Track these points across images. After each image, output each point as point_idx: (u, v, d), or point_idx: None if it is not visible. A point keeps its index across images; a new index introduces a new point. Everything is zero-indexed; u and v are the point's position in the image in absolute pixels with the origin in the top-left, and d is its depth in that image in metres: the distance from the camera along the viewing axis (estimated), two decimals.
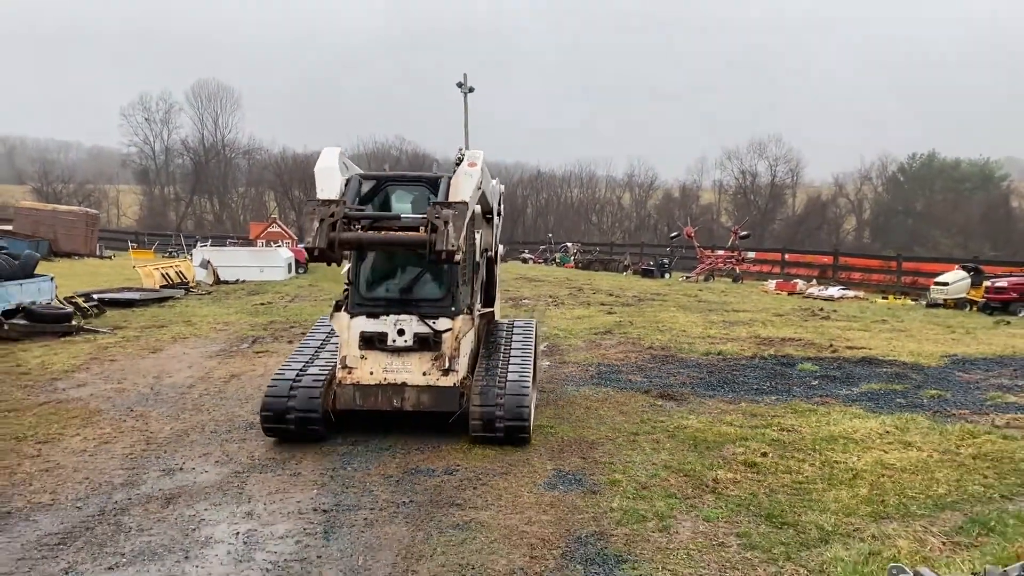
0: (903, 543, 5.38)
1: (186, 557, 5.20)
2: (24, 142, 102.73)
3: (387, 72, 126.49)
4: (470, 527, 5.68)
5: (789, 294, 26.35)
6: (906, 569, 3.40)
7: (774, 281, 28.99)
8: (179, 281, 23.53)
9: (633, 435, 8.16)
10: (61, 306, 15.72)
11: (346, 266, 8.27)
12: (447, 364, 7.71)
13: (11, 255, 15.82)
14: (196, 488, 6.54)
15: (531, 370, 8.12)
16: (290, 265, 29.01)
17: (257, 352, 12.93)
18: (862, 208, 70.65)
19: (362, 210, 7.16)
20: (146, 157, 77.62)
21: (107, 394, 9.95)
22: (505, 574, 4.95)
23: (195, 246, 32.16)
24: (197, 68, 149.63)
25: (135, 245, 46.65)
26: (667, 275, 34.21)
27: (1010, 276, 21.16)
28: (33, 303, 15.05)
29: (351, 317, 7.85)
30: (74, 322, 15.15)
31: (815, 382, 10.87)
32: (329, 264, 7.10)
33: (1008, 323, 18.07)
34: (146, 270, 23.12)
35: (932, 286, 22.69)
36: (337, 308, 8.02)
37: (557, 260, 45.59)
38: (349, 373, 7.76)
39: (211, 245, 32.08)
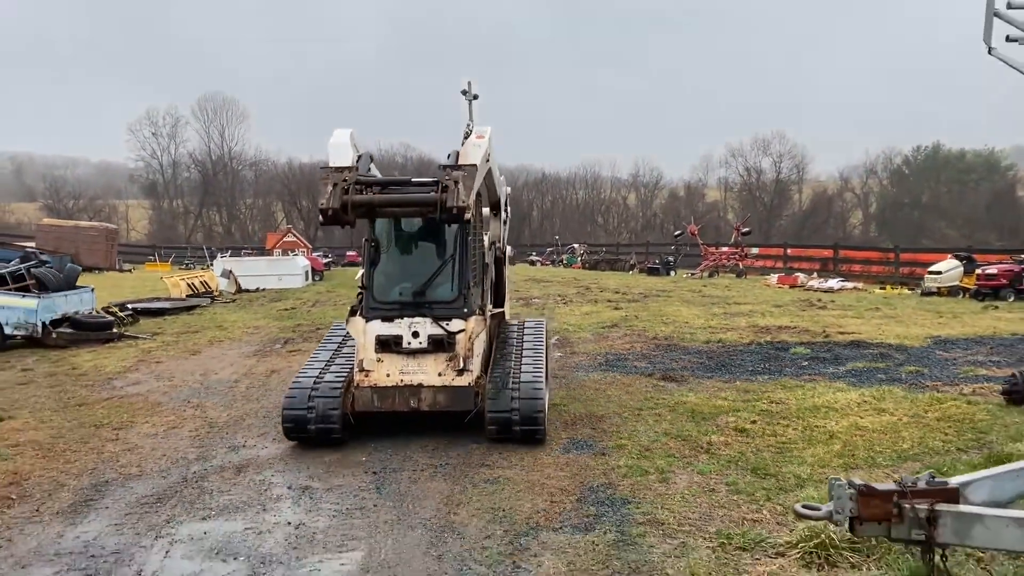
0: None
1: (264, 509, 6.24)
2: (32, 159, 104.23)
3: (391, 80, 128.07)
4: (499, 481, 6.70)
5: (791, 287, 27.30)
6: (842, 480, 4.41)
7: (776, 275, 29.94)
8: (204, 291, 24.65)
9: (637, 410, 9.17)
10: (101, 315, 16.81)
11: (360, 271, 8.77)
12: (461, 364, 7.86)
13: (56, 268, 16.92)
14: (260, 460, 7.58)
15: (544, 369, 8.30)
16: (307, 273, 30.12)
17: (290, 351, 13.99)
18: (868, 202, 71.37)
19: (373, 175, 7.48)
20: (154, 171, 78.95)
21: (162, 390, 11.02)
22: (530, 513, 5.97)
23: (215, 257, 33.27)
24: (202, 82, 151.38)
25: (152, 259, 47.86)
26: (672, 272, 35.20)
27: (1000, 264, 22.07)
28: (76, 313, 16.13)
29: (366, 321, 7.98)
30: (115, 329, 16.25)
31: (805, 363, 11.85)
32: (343, 227, 7.36)
33: (996, 307, 19.00)
34: (173, 280, 24.26)
35: (926, 275, 23.63)
36: (352, 313, 8.16)
37: (564, 261, 46.59)
38: (366, 376, 7.90)
39: (230, 256, 33.20)
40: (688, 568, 5.01)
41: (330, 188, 7.16)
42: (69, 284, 16.74)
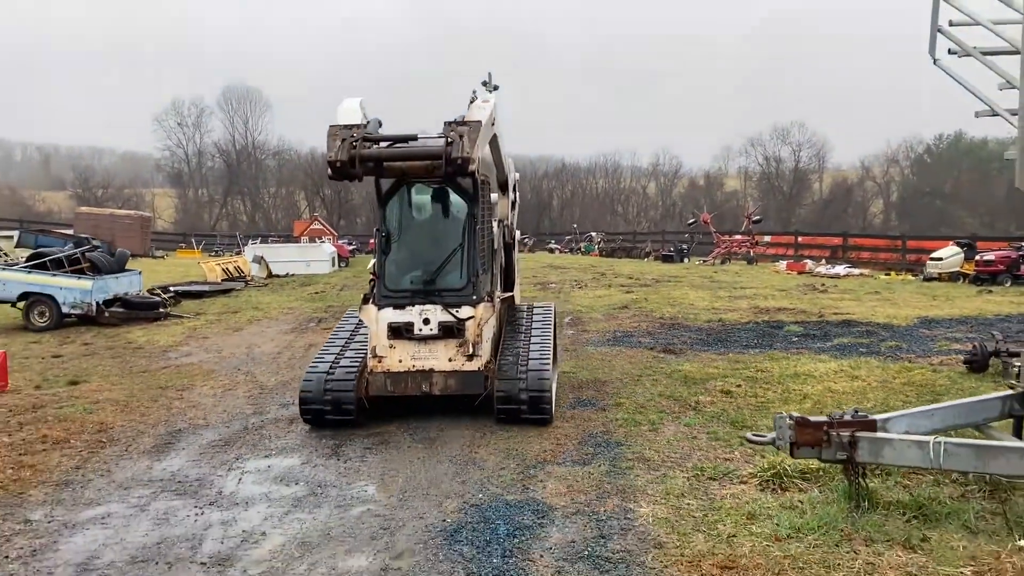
0: None
1: (315, 451, 7.46)
2: (58, 149, 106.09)
3: (411, 68, 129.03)
4: (512, 430, 7.86)
5: (799, 273, 28.21)
6: (783, 414, 5.54)
7: (785, 262, 30.86)
8: (238, 275, 25.98)
9: (637, 376, 10.30)
10: (149, 296, 18.14)
11: (371, 261, 9.35)
12: (471, 350, 8.10)
13: (108, 253, 18.28)
14: None
15: (551, 352, 8.52)
16: (333, 259, 31.40)
17: (324, 329, 15.21)
18: (889, 191, 71.58)
19: (364, 125, 7.63)
20: (179, 160, 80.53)
21: (213, 360, 12.29)
22: (538, 452, 7.15)
23: (247, 244, 34.65)
24: (226, 72, 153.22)
25: (183, 245, 49.44)
26: (686, 260, 36.16)
27: (999, 251, 22.91)
28: (126, 294, 17.47)
29: (379, 309, 8.22)
30: (162, 309, 17.57)
31: (796, 339, 12.92)
32: (352, 181, 7.63)
33: (990, 292, 19.90)
34: (209, 265, 25.63)
35: (928, 261, 24.50)
36: (365, 301, 8.41)
37: (582, 249, 47.61)
38: (379, 362, 8.16)
39: (260, 243, 34.59)
40: (665, 490, 6.16)
41: (338, 143, 7.38)
42: (120, 267, 18.07)
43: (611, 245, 45.54)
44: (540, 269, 29.96)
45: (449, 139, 7.23)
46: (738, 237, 36.19)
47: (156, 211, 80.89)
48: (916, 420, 5.76)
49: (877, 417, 5.68)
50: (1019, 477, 5.37)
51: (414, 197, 8.69)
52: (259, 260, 28.28)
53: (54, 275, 16.73)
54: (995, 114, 6.43)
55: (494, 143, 8.88)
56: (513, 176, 10.60)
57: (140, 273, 18.65)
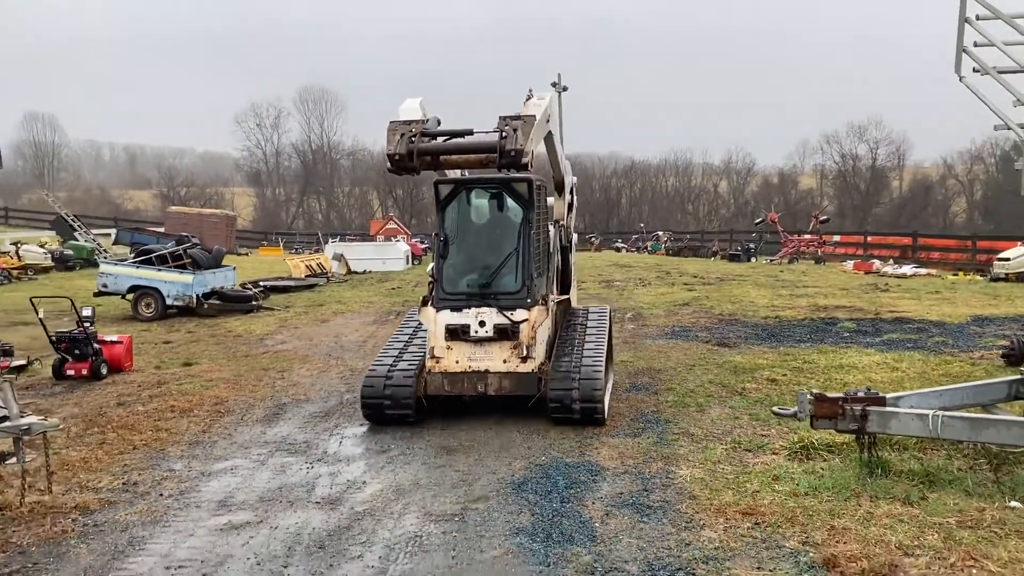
0: None
1: (404, 422, 8.60)
2: (143, 149, 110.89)
3: (484, 66, 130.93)
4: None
5: (866, 273, 28.39)
6: (805, 391, 6.42)
7: (852, 262, 31.01)
8: (320, 272, 27.60)
9: (690, 366, 11.19)
10: (242, 290, 19.74)
11: (430, 264, 9.68)
12: (525, 352, 8.32)
13: (206, 249, 19.96)
14: None
15: (604, 354, 8.67)
16: (407, 257, 32.86)
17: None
18: (973, 189, 69.65)
19: (424, 121, 7.89)
20: (257, 160, 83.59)
21: (305, 347, 13.63)
22: (595, 427, 8.14)
23: (327, 243, 36.43)
24: (303, 74, 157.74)
25: (265, 243, 51.83)
26: (753, 259, 36.48)
27: None
28: (222, 287, 19.08)
29: (437, 311, 8.51)
30: (254, 302, 19.14)
31: (847, 335, 13.57)
32: (411, 174, 7.82)
33: None
34: (294, 263, 27.33)
35: (995, 261, 24.49)
36: (424, 303, 8.68)
37: (649, 248, 48.17)
38: (437, 362, 8.46)
39: (340, 241, 36.32)
40: (704, 457, 7.10)
41: (397, 137, 7.61)
42: (217, 263, 19.73)
43: (678, 244, 45.99)
44: (606, 268, 30.81)
45: (503, 133, 7.35)
46: (806, 237, 36.33)
47: (236, 209, 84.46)
48: (925, 399, 6.56)
49: (891, 395, 6.51)
50: (1010, 446, 6.14)
51: (471, 202, 8.96)
52: (339, 257, 29.90)
53: (159, 270, 18.45)
54: (1008, 127, 7.16)
55: (550, 142, 9.05)
56: (571, 179, 10.72)
57: (234, 268, 20.29)
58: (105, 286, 18.32)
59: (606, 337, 9.12)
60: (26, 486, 6.39)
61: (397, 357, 8.83)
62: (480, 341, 8.38)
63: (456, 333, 8.41)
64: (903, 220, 62.52)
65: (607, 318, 9.73)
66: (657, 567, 4.98)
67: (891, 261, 31.02)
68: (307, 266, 27.24)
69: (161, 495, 6.57)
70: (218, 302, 18.60)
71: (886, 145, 70.85)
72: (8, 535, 5.73)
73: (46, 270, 28.67)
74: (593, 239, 53.36)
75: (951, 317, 15.20)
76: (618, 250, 50.86)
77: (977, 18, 7.34)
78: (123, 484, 6.84)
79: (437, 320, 8.49)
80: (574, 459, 7.15)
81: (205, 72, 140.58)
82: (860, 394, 6.32)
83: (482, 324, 8.36)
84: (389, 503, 6.23)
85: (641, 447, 7.47)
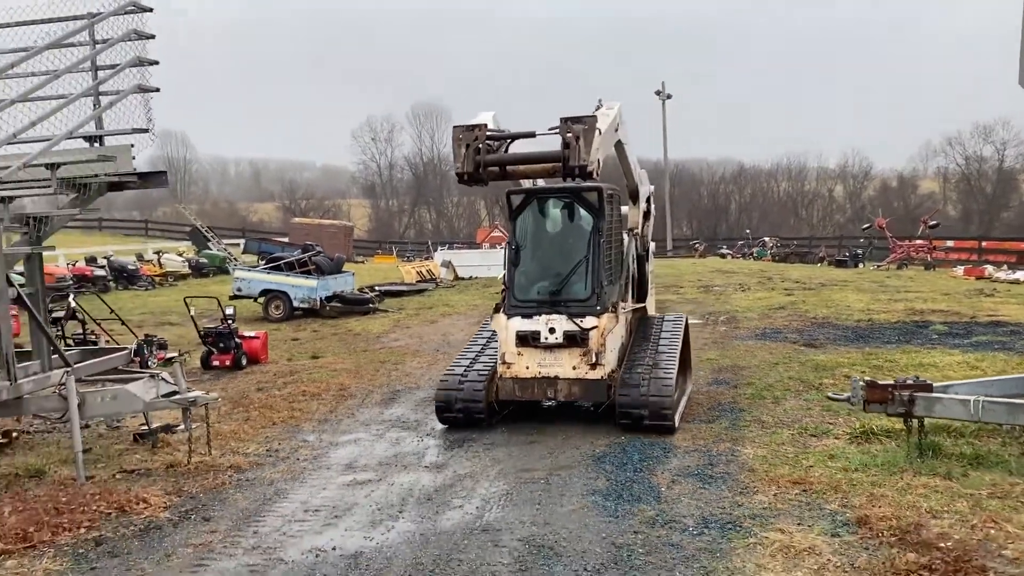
0: None
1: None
2: (267, 164, 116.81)
3: (592, 76, 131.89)
4: None
5: (977, 278, 27.72)
6: (857, 377, 7.10)
7: (962, 267, 30.25)
8: (430, 277, 29.19)
9: (773, 364, 11.81)
10: (360, 294, 21.38)
11: (502, 272, 10.17)
12: (594, 358, 8.39)
13: (328, 257, 21.73)
14: None
15: (676, 362, 8.75)
16: None
17: None
18: None
19: (502, 131, 8.14)
20: (372, 173, 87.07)
21: (416, 344, 14.95)
22: (685, 414, 8.96)
23: (436, 250, 38.21)
24: (417, 89, 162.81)
25: (379, 252, 54.36)
26: (861, 265, 35.94)
27: None
28: (343, 291, 20.74)
29: (508, 318, 8.70)
30: (371, 304, 20.71)
31: (936, 336, 13.80)
32: (482, 185, 8.17)
33: None
34: (406, 269, 29.04)
35: None
36: (496, 310, 8.93)
37: (754, 254, 47.86)
38: (508, 368, 8.63)
39: (448, 249, 38.05)
40: (770, 440, 7.85)
41: (463, 151, 7.80)
42: (338, 269, 21.44)
43: (784, 250, 45.55)
44: (707, 273, 31.14)
45: (566, 141, 7.49)
46: (917, 242, 35.53)
47: (352, 220, 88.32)
48: (976, 388, 7.12)
49: (940, 384, 7.11)
50: None
51: (542, 211, 9.18)
52: (447, 264, 31.45)
53: (287, 275, 20.25)
54: None
55: (621, 152, 9.26)
56: (646, 188, 10.75)
57: (353, 274, 21.97)
58: (239, 290, 20.25)
59: (679, 345, 9.15)
60: (192, 449, 7.80)
61: (472, 362, 9.15)
62: (550, 347, 8.51)
63: (526, 339, 8.55)
64: None
65: (682, 326, 9.76)
66: (710, 520, 5.84)
67: (1005, 267, 30.08)
68: (418, 272, 28.87)
69: (298, 459, 7.86)
70: (339, 304, 20.24)
71: (1015, 146, 67.37)
72: (181, 485, 7.10)
73: (184, 277, 31.41)
74: (697, 245, 53.39)
75: None
76: (723, 256, 50.68)
77: None
78: (267, 451, 8.18)
79: (508, 327, 8.66)
80: (650, 439, 8.02)
81: (327, 89, 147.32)
82: (909, 381, 6.95)
83: (552, 331, 8.49)
84: (486, 468, 7.30)
85: (713, 431, 8.28)
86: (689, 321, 10.38)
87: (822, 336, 14.33)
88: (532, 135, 8.12)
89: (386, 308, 20.83)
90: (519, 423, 8.87)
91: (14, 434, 8.89)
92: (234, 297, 20.20)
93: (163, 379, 7.88)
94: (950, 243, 36.61)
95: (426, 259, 37.10)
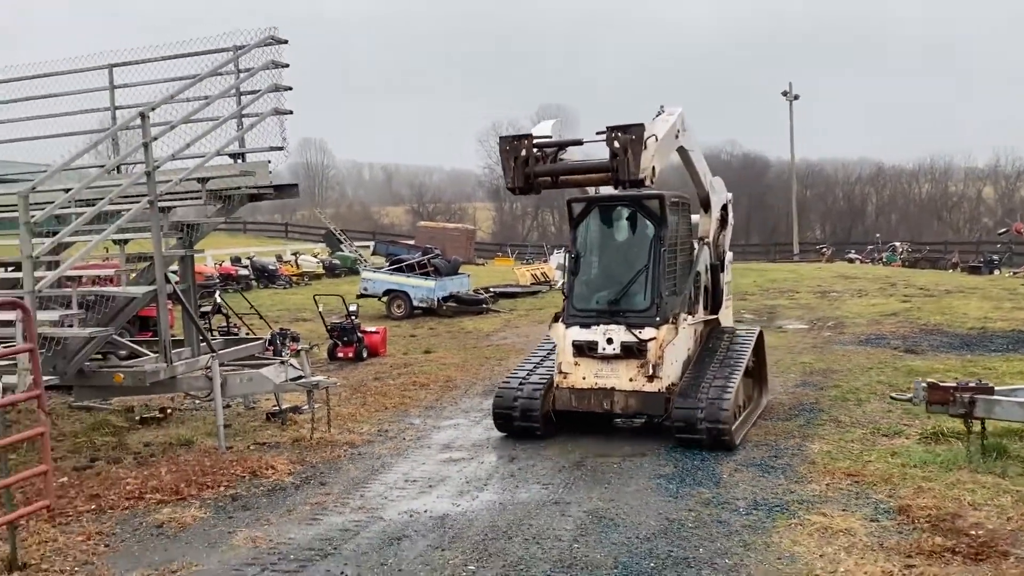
0: None
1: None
2: (399, 168, 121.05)
3: (720, 75, 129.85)
4: None
5: None
6: (921, 380, 7.42)
7: None
8: (544, 280, 30.13)
9: (867, 368, 11.97)
10: (475, 295, 22.54)
11: (560, 281, 10.87)
12: (651, 371, 8.17)
13: (445, 259, 23.03)
14: None
15: (739, 377, 8.40)
16: None
17: None
18: None
19: (548, 137, 8.24)
20: (497, 177, 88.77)
21: (522, 343, 15.85)
22: (764, 412, 9.42)
23: (552, 253, 39.13)
24: (544, 92, 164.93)
25: (500, 254, 55.86)
26: (996, 271, 34.26)
27: None
28: (458, 292, 21.95)
29: (566, 327, 8.59)
30: (485, 305, 21.82)
31: None
32: (536, 193, 8.36)
33: None
34: (521, 271, 30.09)
35: None
36: (555, 319, 8.81)
37: (884, 260, 46.21)
38: (565, 378, 8.52)
39: (563, 252, 38.87)
40: (840, 437, 8.25)
41: (511, 163, 7.89)
42: (454, 271, 22.70)
43: (914, 255, 43.82)
44: (829, 279, 30.58)
45: (613, 152, 7.52)
46: None
47: (477, 223, 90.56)
48: None
49: (1006, 388, 7.34)
50: None
51: (602, 220, 9.03)
52: (562, 267, 32.27)
53: (408, 276, 21.65)
54: None
55: (686, 157, 9.16)
56: (721, 197, 10.42)
57: (469, 276, 23.16)
58: (365, 289, 21.80)
59: (745, 361, 8.77)
60: (314, 426, 8.96)
61: (531, 371, 9.04)
62: (607, 358, 8.35)
63: (583, 349, 8.43)
64: None
65: (752, 340, 9.33)
66: (760, 503, 6.40)
67: None
68: (532, 275, 29.84)
69: (404, 439, 8.89)
70: (455, 304, 21.47)
71: None
72: (303, 456, 8.24)
73: (318, 277, 33.68)
74: (824, 249, 51.94)
75: None
76: (851, 261, 49.13)
77: None
78: (378, 431, 9.25)
79: (566, 336, 8.56)
80: None
81: (457, 94, 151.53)
82: (972, 384, 7.22)
83: (609, 341, 8.33)
84: (567, 453, 8.08)
85: (787, 427, 8.73)
86: (794, 326, 10.51)
87: (926, 343, 14.23)
88: (579, 143, 8.29)
89: (499, 309, 21.88)
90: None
91: (169, 411, 10.37)
92: (360, 296, 21.76)
93: (291, 365, 9.09)
94: None
95: (542, 262, 38.08)
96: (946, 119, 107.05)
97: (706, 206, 10.13)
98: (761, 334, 9.81)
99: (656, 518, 6.20)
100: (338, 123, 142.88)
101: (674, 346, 8.43)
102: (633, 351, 8.24)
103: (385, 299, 21.46)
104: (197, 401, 10.77)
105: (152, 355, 8.76)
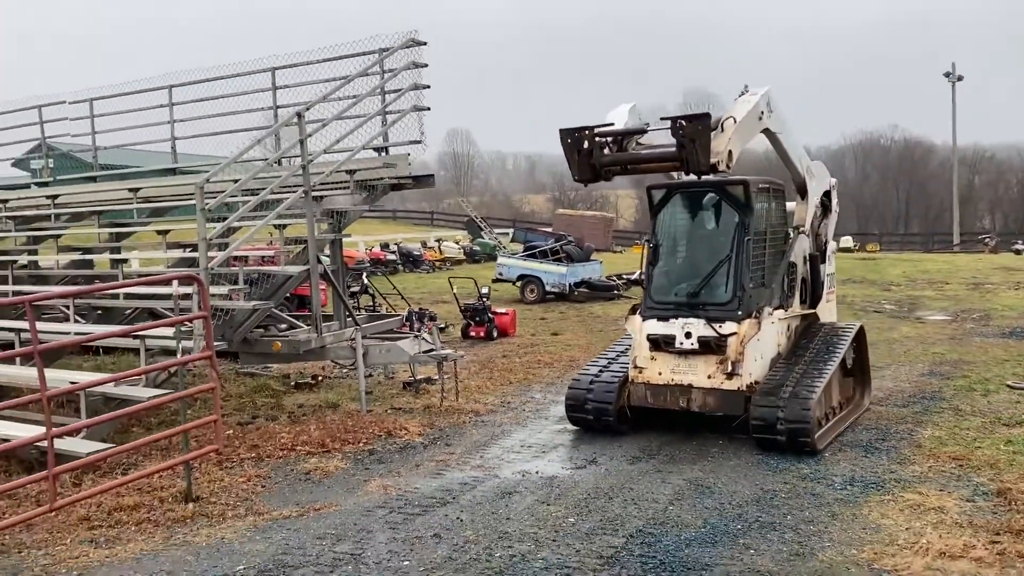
0: None
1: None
2: (542, 157, 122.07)
3: (886, 58, 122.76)
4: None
5: None
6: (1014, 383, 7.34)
7: None
8: None
9: (1003, 361, 11.60)
10: (606, 281, 22.99)
11: (638, 272, 9.99)
12: (731, 368, 7.70)
13: (578, 246, 23.61)
14: None
15: (828, 375, 7.82)
16: None
17: None
18: None
19: (611, 125, 7.84)
20: None
21: None
22: (881, 398, 9.45)
23: None
24: (691, 77, 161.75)
25: (638, 242, 55.84)
26: None
27: None
28: (590, 278, 22.46)
29: (643, 320, 8.17)
30: (616, 291, 22.24)
31: None
32: (607, 180, 7.98)
33: None
34: None
35: None
36: (633, 311, 8.45)
37: None
38: (640, 373, 8.13)
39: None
40: (955, 424, 8.22)
41: (575, 156, 7.71)
42: (586, 258, 23.23)
43: None
44: (987, 270, 29.00)
45: (680, 142, 7.24)
46: None
47: (619, 211, 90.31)
48: None
49: None
50: None
51: (683, 207, 8.56)
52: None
53: (541, 262, 22.37)
54: None
55: (775, 141, 8.52)
56: (822, 182, 9.63)
57: (601, 263, 23.64)
58: (501, 274, 22.72)
59: (837, 359, 8.15)
60: (444, 396, 9.80)
61: (605, 366, 8.71)
62: (685, 353, 7.91)
63: (659, 344, 8.02)
64: None
65: (850, 337, 8.67)
66: (857, 480, 6.63)
67: None
68: None
69: (524, 410, 9.58)
70: (586, 290, 22.01)
71: None
72: (433, 420, 9.08)
73: (459, 262, 35.09)
74: (988, 240, 48.67)
75: None
76: (1018, 252, 45.84)
77: None
78: (501, 402, 9.99)
79: (642, 329, 8.16)
80: None
81: (602, 80, 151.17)
82: None
83: (688, 335, 7.87)
84: (675, 428, 8.48)
85: (901, 414, 8.76)
86: (935, 317, 9.94)
87: None
88: (644, 131, 7.95)
89: (630, 295, 22.22)
90: None
91: (320, 378, 11.54)
92: (496, 280, 22.72)
93: (423, 339, 9.96)
94: None
95: None
96: None
97: (803, 192, 9.32)
98: (862, 329, 9.14)
99: (751, 488, 6.56)
100: (483, 114, 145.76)
101: (758, 341, 7.87)
102: (712, 346, 7.79)
103: (519, 284, 22.28)
104: (344, 370, 11.90)
105: (305, 328, 9.85)
